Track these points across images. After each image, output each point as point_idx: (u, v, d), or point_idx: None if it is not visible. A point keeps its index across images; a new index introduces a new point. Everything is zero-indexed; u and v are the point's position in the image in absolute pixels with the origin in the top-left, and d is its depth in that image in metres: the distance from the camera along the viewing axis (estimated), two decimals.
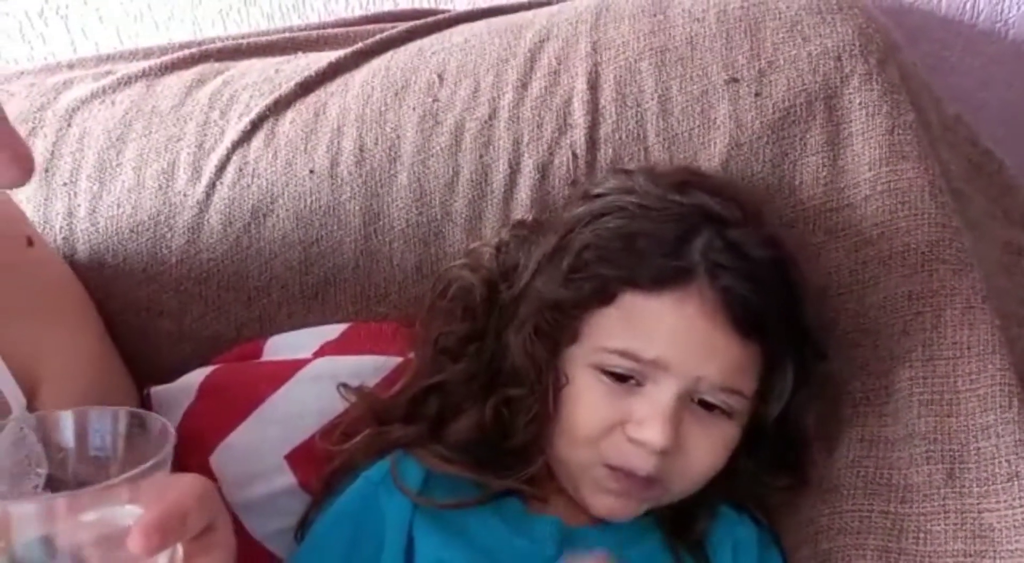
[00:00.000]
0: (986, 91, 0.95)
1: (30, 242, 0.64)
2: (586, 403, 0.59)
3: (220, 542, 0.44)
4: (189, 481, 0.42)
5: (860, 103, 0.70)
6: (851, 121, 0.70)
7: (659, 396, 0.57)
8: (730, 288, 0.57)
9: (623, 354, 0.57)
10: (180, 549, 0.41)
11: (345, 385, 0.65)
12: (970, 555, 0.56)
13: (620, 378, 0.58)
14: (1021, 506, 0.56)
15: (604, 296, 0.59)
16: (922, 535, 0.58)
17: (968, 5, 0.91)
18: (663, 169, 0.67)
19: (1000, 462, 0.57)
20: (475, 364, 0.62)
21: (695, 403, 0.58)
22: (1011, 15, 0.92)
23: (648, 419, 0.57)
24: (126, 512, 0.39)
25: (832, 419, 0.65)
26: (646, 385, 0.58)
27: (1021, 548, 0.55)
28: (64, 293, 0.68)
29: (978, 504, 0.57)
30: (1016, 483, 0.56)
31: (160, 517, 0.39)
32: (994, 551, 0.55)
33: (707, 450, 0.59)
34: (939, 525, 0.58)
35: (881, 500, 0.60)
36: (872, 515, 0.60)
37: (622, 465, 0.58)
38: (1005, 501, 0.56)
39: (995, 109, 0.94)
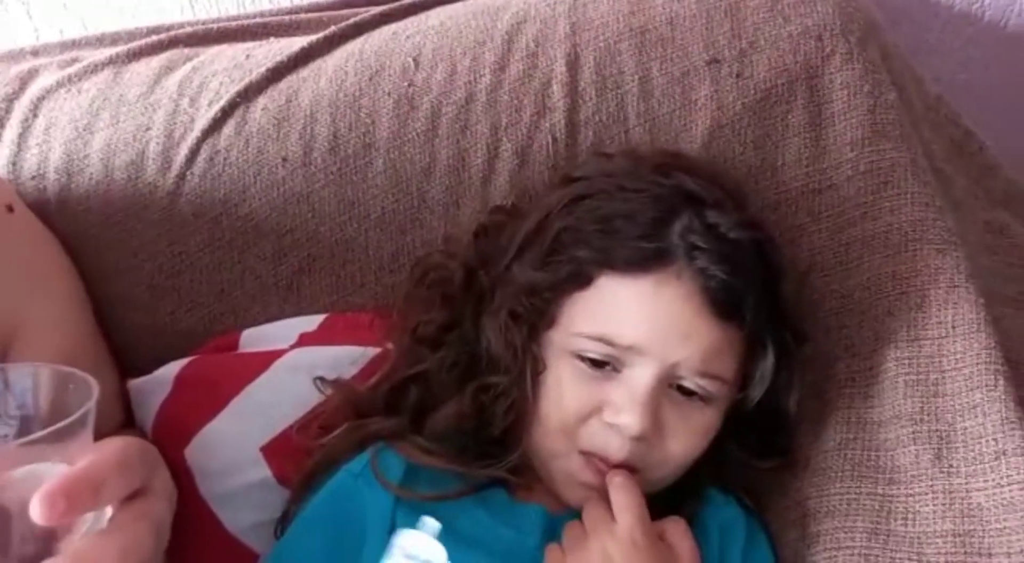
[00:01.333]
0: (965, 73, 0.95)
1: (10, 209, 0.63)
2: (563, 389, 0.58)
3: (148, 512, 0.41)
4: (113, 444, 0.40)
5: (841, 83, 0.69)
6: (833, 101, 0.69)
7: (636, 381, 0.56)
8: (709, 270, 0.56)
9: (599, 339, 0.57)
10: (108, 513, 0.39)
11: (322, 378, 0.64)
12: (959, 535, 0.55)
13: (597, 364, 0.57)
14: (1009, 484, 0.55)
15: (581, 279, 0.58)
16: (911, 516, 0.57)
17: None
18: (644, 152, 0.66)
19: (987, 441, 0.57)
20: (454, 352, 0.62)
21: (673, 389, 0.58)
22: None
23: (625, 404, 0.56)
24: (54, 472, 0.37)
25: (818, 401, 0.64)
26: (623, 371, 0.57)
27: (1010, 527, 0.54)
28: (48, 263, 0.67)
29: (966, 484, 0.57)
30: (1003, 461, 0.56)
31: (66, 484, 0.37)
32: (983, 530, 0.55)
33: (685, 437, 0.58)
34: (927, 506, 0.57)
35: (869, 482, 0.60)
36: (860, 497, 0.59)
37: (597, 451, 0.57)
38: (993, 480, 0.56)
39: (974, 90, 0.94)
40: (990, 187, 0.77)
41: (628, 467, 0.57)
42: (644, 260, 0.56)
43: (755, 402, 0.60)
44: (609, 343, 0.56)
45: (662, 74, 0.70)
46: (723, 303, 0.56)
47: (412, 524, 0.56)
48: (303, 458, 0.62)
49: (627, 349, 0.56)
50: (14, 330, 0.58)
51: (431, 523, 0.50)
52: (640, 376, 0.56)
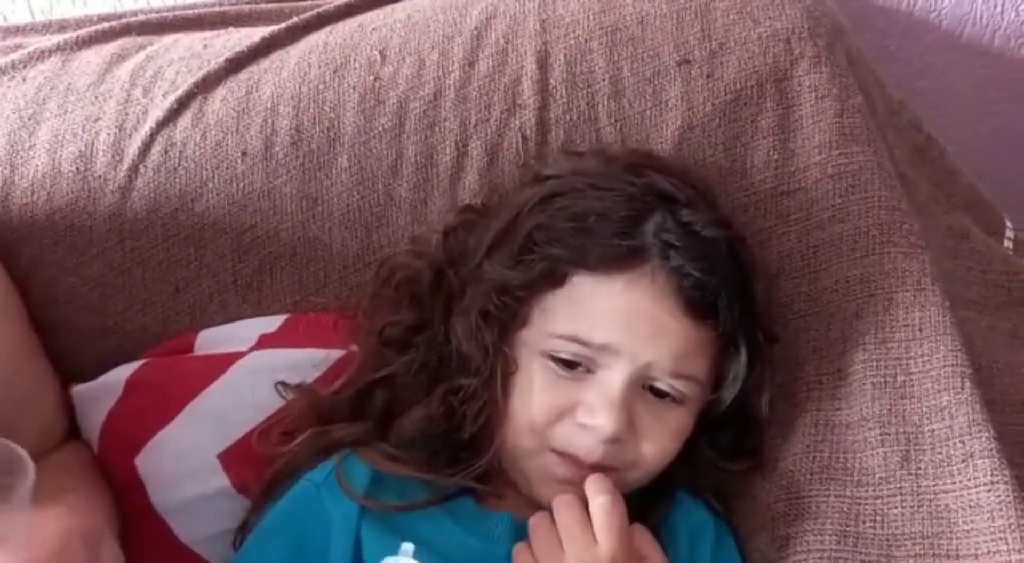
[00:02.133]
0: (923, 80, 0.97)
1: None
2: (535, 390, 0.57)
3: None
4: (50, 530, 0.37)
5: (810, 86, 0.70)
6: (801, 104, 0.70)
7: (609, 382, 0.56)
8: (683, 269, 0.56)
9: (572, 339, 0.56)
10: None
11: (283, 382, 0.62)
12: (927, 537, 0.56)
13: (569, 365, 0.57)
14: (976, 486, 0.56)
15: (554, 278, 0.58)
16: (879, 518, 0.58)
17: None
18: (615, 151, 0.66)
19: (954, 443, 0.58)
20: (423, 354, 0.60)
21: (646, 390, 0.57)
22: (944, 5, 0.94)
23: (598, 405, 0.56)
24: None
25: (786, 403, 0.64)
26: (596, 372, 0.57)
27: (977, 528, 0.55)
28: None
29: (934, 486, 0.57)
30: (971, 463, 0.57)
31: None
32: (951, 532, 0.56)
33: (659, 438, 0.58)
34: (896, 508, 0.58)
35: (837, 484, 0.60)
36: (829, 500, 0.60)
37: (570, 451, 0.57)
38: (960, 482, 0.57)
39: (932, 97, 0.96)
40: (951, 192, 0.79)
41: (603, 467, 0.57)
42: (618, 258, 0.56)
43: (727, 403, 0.60)
44: (582, 343, 0.56)
45: (633, 74, 0.70)
46: (697, 302, 0.56)
47: (383, 543, 0.55)
48: (263, 466, 0.60)
49: (600, 349, 0.56)
50: None
51: (406, 547, 0.51)
52: (614, 377, 0.56)
